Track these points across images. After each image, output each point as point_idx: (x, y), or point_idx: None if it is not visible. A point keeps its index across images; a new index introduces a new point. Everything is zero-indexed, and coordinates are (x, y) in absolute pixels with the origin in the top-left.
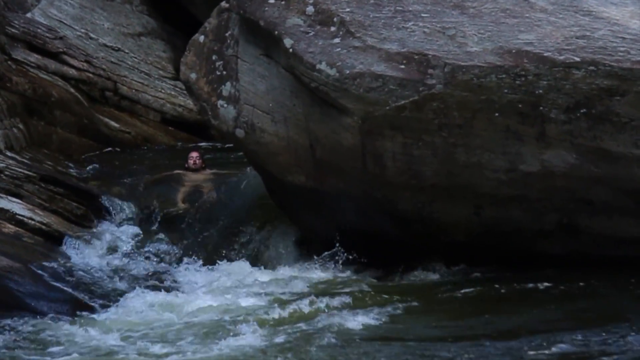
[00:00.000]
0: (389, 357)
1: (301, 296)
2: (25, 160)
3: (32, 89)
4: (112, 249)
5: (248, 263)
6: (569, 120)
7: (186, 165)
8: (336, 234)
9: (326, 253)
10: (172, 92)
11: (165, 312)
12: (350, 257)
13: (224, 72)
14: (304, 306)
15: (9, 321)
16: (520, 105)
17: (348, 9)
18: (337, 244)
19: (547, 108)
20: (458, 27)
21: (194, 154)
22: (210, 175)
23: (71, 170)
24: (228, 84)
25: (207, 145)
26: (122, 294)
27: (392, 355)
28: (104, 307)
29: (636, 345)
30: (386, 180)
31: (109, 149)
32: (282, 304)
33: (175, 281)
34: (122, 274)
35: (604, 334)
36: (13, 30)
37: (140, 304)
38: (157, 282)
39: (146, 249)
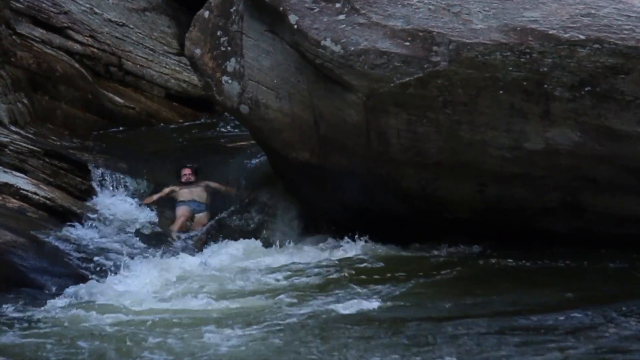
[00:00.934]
0: (388, 336)
1: (303, 273)
2: (30, 135)
3: (37, 64)
4: (116, 224)
5: (252, 239)
6: (573, 98)
7: (179, 180)
8: (339, 211)
9: (328, 229)
10: (177, 68)
11: (170, 284)
12: (353, 233)
13: (229, 48)
14: (307, 282)
15: (12, 295)
16: (524, 83)
17: None
18: (340, 221)
19: (551, 86)
20: (463, 4)
21: (187, 171)
22: (204, 189)
23: (75, 145)
24: (233, 59)
25: (206, 120)
26: (126, 267)
27: (395, 333)
28: (108, 281)
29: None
30: (390, 157)
31: (114, 127)
32: (284, 279)
33: (182, 254)
34: (125, 249)
35: (609, 311)
36: (18, 4)
37: (144, 277)
38: (159, 256)
39: (150, 224)
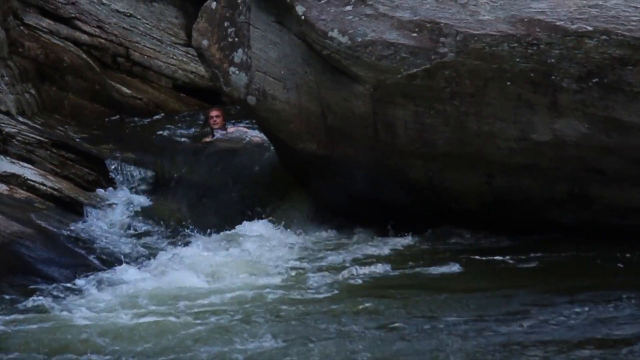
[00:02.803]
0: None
1: (306, 262)
2: (37, 126)
3: (44, 54)
4: (125, 215)
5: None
6: (580, 90)
7: (208, 125)
8: (346, 202)
9: (334, 220)
10: (184, 59)
11: (179, 275)
12: (360, 224)
13: (236, 39)
14: (314, 273)
15: (19, 285)
16: (532, 74)
17: None
18: (347, 211)
19: (559, 77)
20: None
21: (214, 113)
22: (234, 134)
23: (83, 136)
24: (240, 50)
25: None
26: (135, 259)
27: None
28: (117, 272)
29: None
30: (397, 149)
31: (121, 118)
32: (294, 269)
33: (189, 244)
34: (135, 239)
35: (615, 304)
36: None
37: (152, 268)
38: (169, 246)
39: (158, 215)
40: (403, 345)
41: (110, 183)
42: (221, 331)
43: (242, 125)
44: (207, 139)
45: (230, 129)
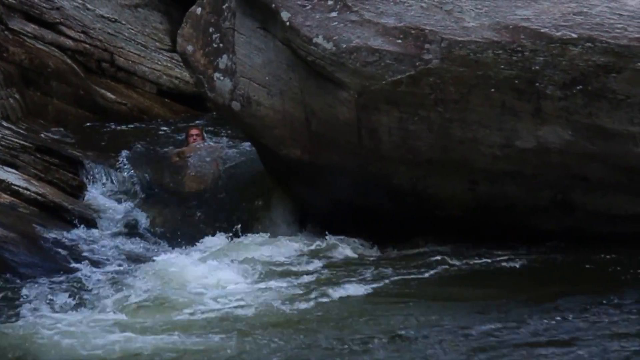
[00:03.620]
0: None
1: (295, 269)
2: (21, 131)
3: (29, 59)
4: (108, 221)
5: (242, 235)
6: (565, 97)
7: (186, 143)
8: (330, 208)
9: (317, 226)
10: (169, 64)
11: (162, 278)
12: (343, 230)
13: (221, 45)
14: (300, 279)
15: (3, 290)
16: (516, 81)
17: None
18: (330, 217)
19: (543, 84)
20: (455, 1)
21: (194, 131)
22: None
23: (67, 141)
24: (225, 56)
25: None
26: (117, 264)
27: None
28: (99, 277)
29: (630, 317)
30: (381, 155)
31: (106, 123)
32: (277, 276)
33: (173, 249)
34: (117, 245)
35: (598, 309)
36: (10, 0)
37: (134, 274)
38: (150, 252)
39: (141, 221)
40: (384, 354)
41: (94, 188)
42: (189, 342)
43: (219, 143)
44: (184, 150)
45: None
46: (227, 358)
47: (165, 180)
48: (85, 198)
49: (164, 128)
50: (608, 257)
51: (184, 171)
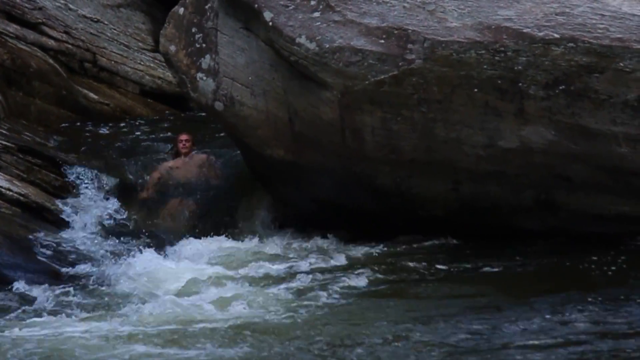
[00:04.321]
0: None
1: (277, 270)
2: (4, 131)
3: (11, 60)
4: (91, 221)
5: (223, 237)
6: (547, 97)
7: (176, 149)
8: (313, 208)
9: (300, 226)
10: (152, 64)
11: (143, 280)
12: (327, 230)
13: (204, 45)
14: (282, 280)
15: None
16: (499, 81)
17: None
18: (314, 217)
19: (526, 84)
20: (438, 2)
21: (184, 137)
22: (200, 161)
23: (50, 141)
24: (207, 56)
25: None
26: (98, 264)
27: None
28: (82, 278)
29: (616, 318)
30: (365, 155)
31: (88, 123)
32: (264, 278)
33: (154, 252)
34: (99, 245)
35: (582, 309)
36: None
37: (116, 274)
38: (132, 254)
39: (123, 221)
40: (361, 350)
41: (76, 188)
42: (169, 342)
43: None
44: (174, 164)
45: (196, 156)
46: None
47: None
48: (68, 198)
49: (147, 128)
50: (592, 257)
51: (163, 203)
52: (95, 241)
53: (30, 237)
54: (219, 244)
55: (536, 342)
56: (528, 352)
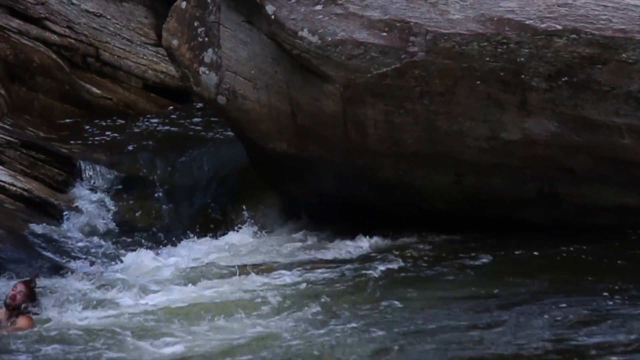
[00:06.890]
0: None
1: (280, 263)
2: (7, 126)
3: (14, 55)
4: (94, 215)
5: (226, 231)
6: (550, 89)
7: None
8: (316, 201)
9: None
10: (154, 59)
11: (146, 274)
12: (330, 223)
13: (206, 39)
14: (284, 274)
15: None
16: (501, 73)
17: None
18: (317, 211)
19: (528, 76)
20: None
21: (19, 287)
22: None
23: (53, 136)
24: (210, 50)
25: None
26: (102, 258)
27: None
28: (85, 272)
29: (619, 309)
30: (367, 148)
31: (91, 118)
32: (266, 271)
33: (154, 246)
34: (103, 240)
35: (588, 301)
36: None
37: (118, 271)
38: (135, 246)
39: (126, 216)
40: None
41: (80, 183)
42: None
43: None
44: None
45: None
46: None
47: (151, 174)
48: (71, 193)
49: (150, 122)
50: (596, 248)
51: None
52: (99, 236)
53: (34, 232)
54: (222, 238)
55: (542, 333)
56: (533, 343)
